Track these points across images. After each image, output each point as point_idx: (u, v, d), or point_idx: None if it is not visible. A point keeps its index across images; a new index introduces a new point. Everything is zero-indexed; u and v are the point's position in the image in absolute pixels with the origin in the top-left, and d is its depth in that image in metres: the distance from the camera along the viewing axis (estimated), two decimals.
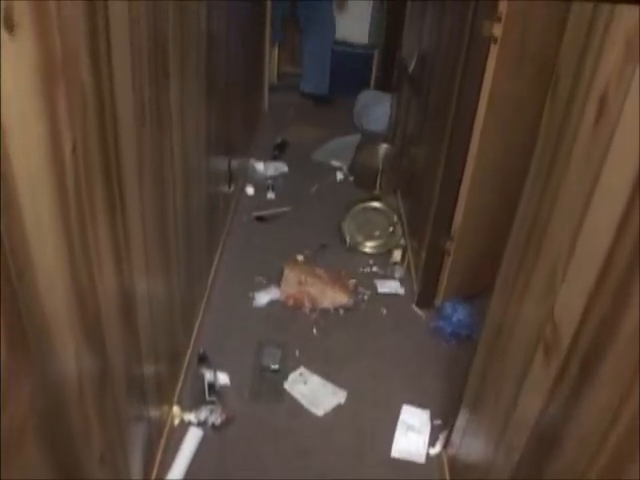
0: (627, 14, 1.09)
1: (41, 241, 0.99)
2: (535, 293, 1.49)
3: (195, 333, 2.62)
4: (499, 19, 2.25)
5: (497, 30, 2.27)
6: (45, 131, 0.98)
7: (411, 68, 3.76)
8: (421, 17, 3.72)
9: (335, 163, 4.47)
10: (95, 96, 1.18)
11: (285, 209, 3.85)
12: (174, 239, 2.08)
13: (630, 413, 1.01)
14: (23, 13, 0.87)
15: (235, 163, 3.61)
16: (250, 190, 4.02)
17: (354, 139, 4.78)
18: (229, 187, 3.48)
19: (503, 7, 2.24)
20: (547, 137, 1.45)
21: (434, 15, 3.33)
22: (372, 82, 5.96)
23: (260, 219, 3.73)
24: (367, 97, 5.38)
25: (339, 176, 4.33)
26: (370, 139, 4.65)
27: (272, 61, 5.84)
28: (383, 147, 4.02)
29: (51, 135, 0.99)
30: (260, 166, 4.30)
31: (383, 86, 5.57)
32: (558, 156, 1.35)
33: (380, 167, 3.98)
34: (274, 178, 4.23)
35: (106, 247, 1.33)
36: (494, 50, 2.32)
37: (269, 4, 5.12)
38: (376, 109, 5.12)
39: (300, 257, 3.37)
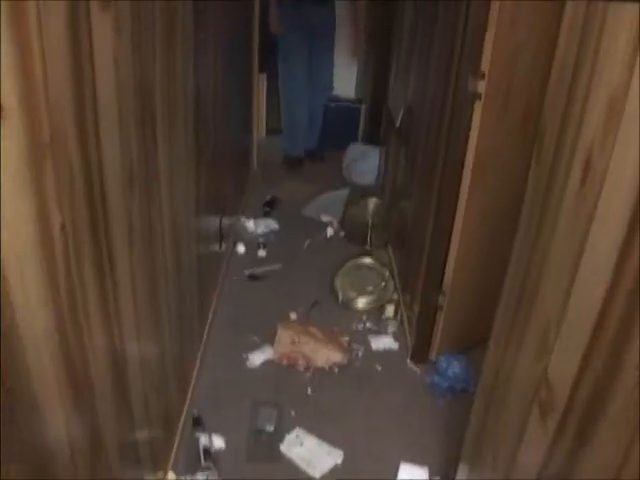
0: (608, 76, 1.11)
1: (30, 319, 0.99)
2: (528, 352, 1.49)
3: (189, 395, 2.60)
4: (483, 76, 2.29)
5: (481, 87, 2.31)
6: (33, 211, 0.98)
7: (398, 122, 3.80)
8: (406, 71, 3.78)
9: (325, 218, 4.49)
10: (83, 172, 1.19)
11: (277, 266, 3.85)
12: (165, 301, 2.07)
13: (630, 474, 1.00)
14: (11, 95, 0.89)
15: (226, 222, 3.63)
16: (241, 248, 4.03)
17: (343, 193, 4.82)
18: (220, 246, 3.49)
19: (486, 65, 2.29)
20: (534, 196, 1.46)
21: (419, 70, 3.38)
22: (360, 135, 6.01)
23: (252, 277, 3.73)
24: (355, 151, 5.42)
25: (330, 231, 4.35)
26: (360, 193, 4.68)
27: (260, 118, 5.90)
28: (372, 201, 4.05)
29: (39, 215, 1.00)
30: (250, 224, 4.32)
31: (371, 139, 5.63)
32: (546, 216, 1.36)
33: (370, 221, 4.00)
34: (265, 235, 4.24)
35: (96, 314, 1.33)
36: (479, 106, 2.35)
37: (256, 64, 5.19)
38: (365, 162, 5.17)
39: (293, 315, 3.36)
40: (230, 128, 3.69)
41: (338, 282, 3.51)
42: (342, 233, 4.31)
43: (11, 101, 0.89)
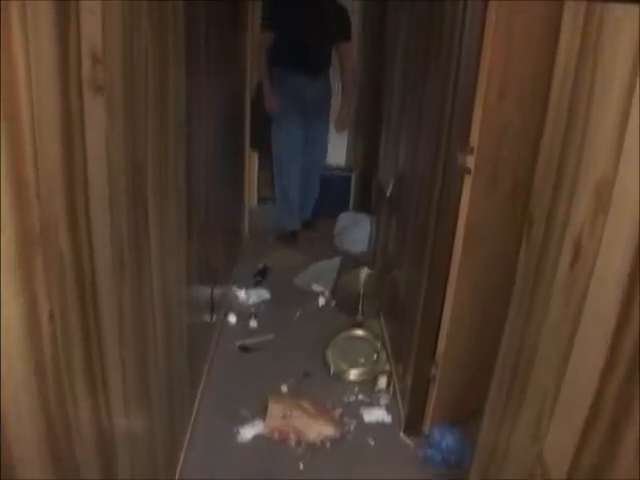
0: (595, 160, 1.13)
1: (17, 412, 0.97)
2: (523, 431, 1.47)
3: (178, 471, 2.55)
4: (471, 151, 2.33)
5: (470, 162, 2.34)
6: (22, 304, 0.98)
7: (388, 192, 3.83)
8: (396, 143, 3.83)
9: (317, 288, 4.48)
10: (74, 260, 1.19)
11: (268, 337, 3.83)
12: (155, 377, 2.05)
13: None
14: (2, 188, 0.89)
15: (217, 292, 3.62)
16: (232, 319, 4.00)
17: (335, 263, 4.82)
18: (211, 317, 3.47)
19: (475, 139, 2.32)
20: (526, 276, 1.47)
21: (409, 142, 3.42)
22: (351, 204, 6.04)
23: (243, 349, 3.70)
24: (346, 219, 5.45)
25: (321, 301, 4.33)
26: (351, 262, 4.69)
27: (252, 185, 5.93)
28: (364, 271, 4.05)
29: (28, 307, 0.99)
30: (242, 294, 4.30)
31: (362, 208, 5.65)
32: (538, 296, 1.36)
33: (362, 291, 4.00)
34: (256, 305, 4.22)
35: (83, 396, 1.31)
36: (468, 180, 2.38)
37: (247, 135, 5.25)
38: (356, 231, 5.19)
39: (284, 387, 3.32)
40: (222, 199, 3.71)
41: (330, 354, 3.48)
42: (333, 303, 4.29)
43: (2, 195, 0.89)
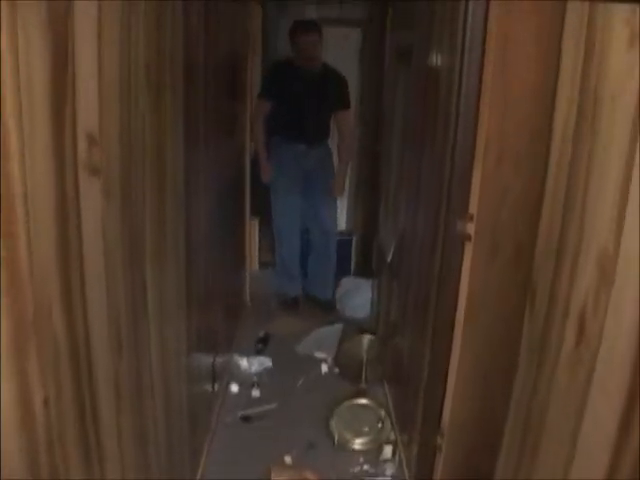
0: (597, 233, 1.11)
1: None
2: None
3: None
4: (471, 218, 2.31)
5: (470, 229, 2.33)
6: (15, 392, 0.95)
7: (389, 258, 3.82)
8: (395, 208, 3.83)
9: (319, 355, 4.43)
10: (69, 344, 1.17)
11: (271, 406, 3.76)
12: (155, 450, 2.01)
13: None
14: None
15: (219, 360, 3.57)
16: (234, 388, 3.94)
17: (337, 329, 4.77)
18: (213, 387, 3.42)
19: (474, 206, 2.31)
20: (530, 352, 1.44)
21: (408, 207, 3.42)
22: (352, 268, 6.02)
23: (246, 419, 3.63)
24: (348, 284, 5.42)
25: (324, 368, 4.27)
26: (354, 328, 4.64)
27: (252, 251, 5.92)
28: (367, 338, 4.00)
29: (21, 394, 0.97)
30: (244, 362, 4.24)
31: (363, 272, 5.63)
32: (542, 375, 1.33)
33: (365, 358, 3.94)
34: (258, 374, 4.16)
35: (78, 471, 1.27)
36: (469, 247, 2.36)
37: (248, 201, 5.26)
38: (358, 296, 5.15)
39: (288, 458, 3.24)
40: (222, 266, 3.70)
41: (333, 423, 3.41)
42: (336, 370, 4.23)
43: None
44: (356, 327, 4.65)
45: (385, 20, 4.84)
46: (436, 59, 2.77)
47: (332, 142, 5.34)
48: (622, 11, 1.20)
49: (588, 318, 1.12)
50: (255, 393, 3.91)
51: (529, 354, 1.47)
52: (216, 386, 3.52)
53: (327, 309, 5.25)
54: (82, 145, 1.21)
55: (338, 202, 5.76)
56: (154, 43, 1.77)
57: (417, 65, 3.33)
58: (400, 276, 3.59)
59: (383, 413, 3.41)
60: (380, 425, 3.39)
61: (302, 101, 4.89)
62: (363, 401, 3.47)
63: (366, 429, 3.40)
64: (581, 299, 1.14)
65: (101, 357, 1.38)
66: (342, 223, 6.22)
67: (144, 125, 1.67)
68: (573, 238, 1.21)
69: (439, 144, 2.63)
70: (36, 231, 1.02)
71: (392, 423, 3.44)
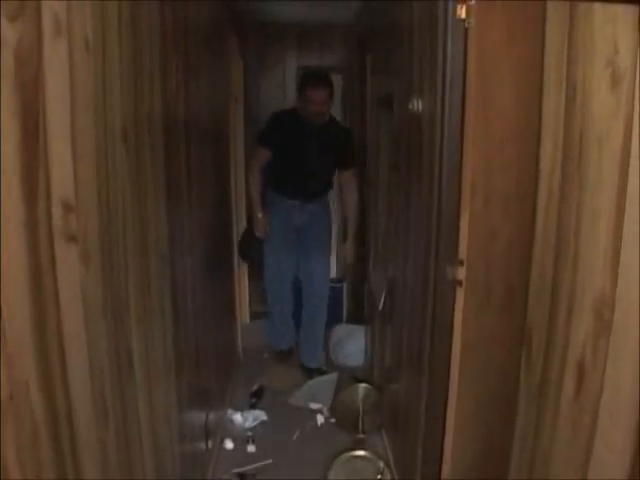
0: (592, 280, 1.08)
1: None
2: None
3: None
4: (461, 263, 2.29)
5: (461, 274, 2.30)
6: None
7: (380, 305, 3.78)
8: (385, 254, 3.81)
9: (314, 406, 4.35)
10: (48, 420, 1.13)
11: (267, 462, 3.68)
12: None
13: None
14: None
15: (212, 417, 3.50)
16: (229, 444, 3.85)
17: (331, 379, 4.70)
18: (206, 445, 3.34)
19: (463, 251, 2.28)
20: (528, 403, 1.40)
21: (397, 253, 3.40)
22: (344, 315, 5.97)
23: (242, 476, 3.54)
24: (340, 331, 5.35)
25: (320, 419, 4.19)
26: (348, 376, 4.57)
27: (243, 302, 5.86)
28: (362, 387, 3.93)
29: None
30: (238, 417, 4.16)
31: (356, 318, 5.58)
32: (543, 426, 1.29)
33: (361, 407, 3.87)
34: (253, 429, 4.08)
35: None
36: (460, 292, 2.33)
37: (235, 253, 5.21)
38: (351, 343, 5.09)
39: None
40: (212, 321, 3.64)
41: (332, 476, 3.33)
42: (332, 420, 4.16)
43: None
44: (350, 376, 4.59)
45: (365, 66, 4.86)
46: (417, 103, 2.77)
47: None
48: (604, 49, 1.19)
49: (587, 366, 1.08)
50: (250, 449, 3.83)
51: (528, 402, 1.43)
52: (210, 443, 3.43)
53: (317, 375, 4.90)
54: (57, 212, 1.17)
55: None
56: (131, 104, 1.74)
57: (399, 109, 3.34)
58: (393, 323, 3.54)
59: (382, 465, 3.34)
60: (379, 477, 3.31)
61: (303, 155, 4.61)
62: (361, 453, 3.39)
63: None
64: (579, 346, 1.11)
65: (85, 431, 1.32)
66: (332, 270, 6.18)
67: (123, 188, 1.64)
68: (567, 282, 1.18)
69: (425, 188, 2.62)
70: (9, 304, 0.98)
71: (392, 474, 3.37)
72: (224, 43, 4.34)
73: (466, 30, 2.19)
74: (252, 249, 5.00)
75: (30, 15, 1.09)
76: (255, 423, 4.15)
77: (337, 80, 5.92)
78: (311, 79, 4.43)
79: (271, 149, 4.60)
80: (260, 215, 4.73)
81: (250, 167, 4.82)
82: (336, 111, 5.85)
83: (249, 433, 3.99)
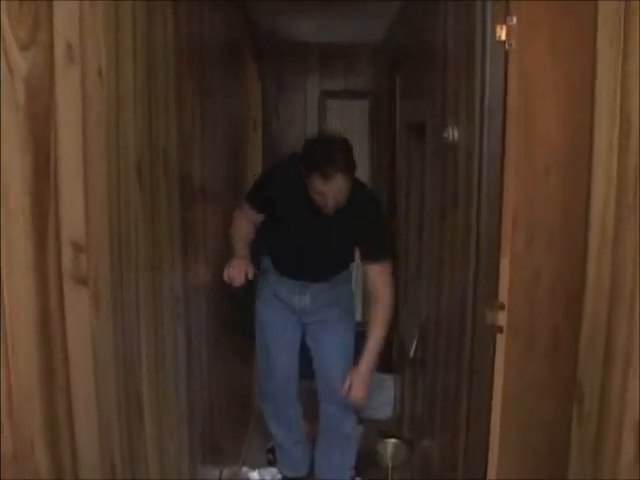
0: None
1: None
2: None
3: None
4: (502, 307, 2.27)
5: (502, 319, 2.28)
6: None
7: (412, 352, 3.76)
8: (416, 297, 3.80)
9: None
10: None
11: None
12: None
13: None
14: None
15: (226, 474, 3.49)
16: None
17: (357, 433, 4.65)
18: None
19: (504, 295, 2.27)
20: (582, 458, 1.39)
21: (429, 296, 3.38)
22: None
23: None
24: None
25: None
26: (376, 432, 4.53)
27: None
28: (391, 443, 3.90)
29: None
30: (255, 475, 4.14)
31: (383, 367, 5.54)
32: None
33: (390, 465, 3.84)
34: None
35: None
36: (501, 340, 2.31)
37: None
38: (378, 394, 5.05)
39: None
40: (226, 370, 3.65)
41: None
42: (359, 479, 4.12)
43: None
44: (378, 430, 4.55)
45: (394, 90, 4.87)
46: (452, 130, 2.77)
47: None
48: None
49: None
50: None
51: (581, 464, 1.41)
52: None
53: None
54: (67, 253, 1.19)
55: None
56: (146, 136, 1.77)
57: (432, 137, 3.35)
58: (426, 372, 3.52)
59: None
60: None
61: (306, 234, 3.48)
62: None
63: None
64: (638, 406, 1.10)
65: None
66: (358, 314, 6.16)
67: (136, 226, 1.66)
68: (623, 334, 1.18)
69: (461, 224, 2.61)
70: (15, 353, 0.99)
71: None
72: (241, 64, 4.39)
73: (506, 52, 2.20)
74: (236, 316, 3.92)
75: (42, 43, 1.12)
76: None
77: (363, 106, 5.98)
78: (319, 164, 3.08)
79: (261, 210, 3.54)
80: (240, 254, 3.44)
81: (234, 214, 3.63)
82: (362, 140, 5.89)
83: None
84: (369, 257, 3.51)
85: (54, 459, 1.14)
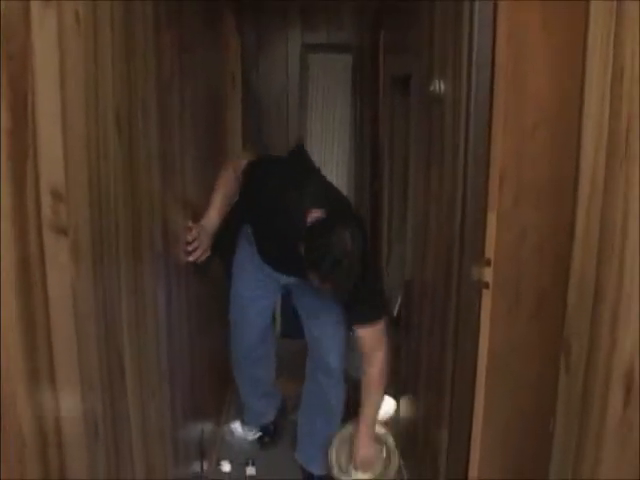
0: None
1: None
2: None
3: None
4: (488, 263, 2.29)
5: (488, 275, 2.30)
6: None
7: (395, 311, 3.78)
8: (400, 255, 3.81)
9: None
10: (36, 440, 1.16)
11: None
12: None
13: None
14: None
15: (208, 431, 3.50)
16: (226, 466, 3.81)
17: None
18: (201, 467, 3.34)
19: (490, 251, 2.28)
20: (568, 414, 1.41)
21: (414, 253, 3.40)
22: None
23: None
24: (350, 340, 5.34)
25: None
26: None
27: None
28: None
29: None
30: (238, 427, 4.15)
31: None
32: (586, 442, 1.29)
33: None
34: (254, 444, 4.08)
35: None
36: (487, 296, 2.33)
37: None
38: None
39: None
40: (209, 325, 3.64)
41: (333, 454, 3.34)
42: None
43: None
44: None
45: (378, 44, 4.84)
46: (439, 84, 2.75)
47: None
48: None
49: (636, 377, 1.08)
50: (250, 471, 3.79)
51: (568, 419, 1.43)
52: (205, 465, 3.44)
53: None
54: (46, 202, 1.18)
55: None
56: (125, 86, 1.75)
57: (417, 92, 3.34)
58: (410, 331, 3.54)
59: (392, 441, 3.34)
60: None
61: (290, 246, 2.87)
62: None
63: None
64: (626, 355, 1.11)
65: (74, 446, 1.34)
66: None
67: (116, 179, 1.65)
68: (611, 287, 1.19)
69: (448, 180, 2.61)
70: None
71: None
72: (219, 17, 4.33)
73: (495, 4, 2.19)
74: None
75: None
76: (258, 436, 4.13)
77: (346, 60, 5.93)
78: (319, 268, 2.65)
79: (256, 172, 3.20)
80: (205, 223, 3.11)
81: (223, 167, 3.43)
82: (345, 95, 5.87)
83: (250, 459, 3.91)
84: (360, 320, 3.12)
85: (36, 415, 1.14)
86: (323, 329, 3.51)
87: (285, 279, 3.46)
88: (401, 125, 3.98)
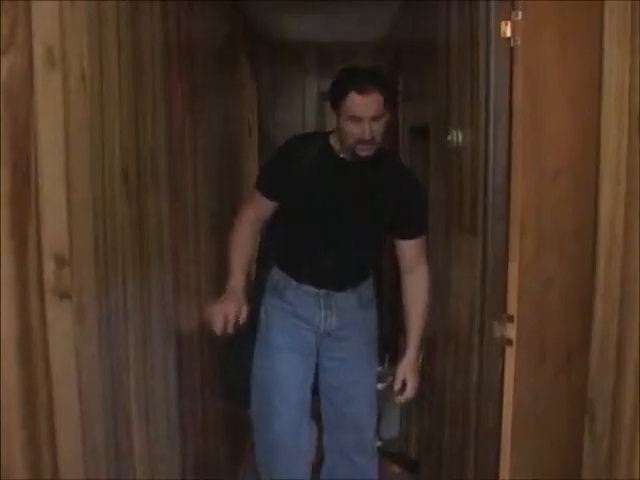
0: None
1: None
2: None
3: None
4: (510, 319, 2.27)
5: (510, 331, 2.28)
6: None
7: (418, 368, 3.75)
8: None
9: None
10: None
11: None
12: None
13: None
14: None
15: None
16: None
17: None
18: None
19: (512, 306, 2.27)
20: (595, 476, 1.39)
21: (435, 309, 3.39)
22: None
23: None
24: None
25: None
26: (381, 452, 4.50)
27: None
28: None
29: None
30: None
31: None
32: None
33: None
34: None
35: None
36: (510, 353, 2.31)
37: None
38: (384, 414, 5.04)
39: None
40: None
41: None
42: None
43: None
44: (384, 451, 4.53)
45: (396, 92, 4.85)
46: (456, 133, 2.77)
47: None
48: None
49: None
50: None
51: None
52: None
53: None
54: (49, 267, 1.20)
55: None
56: (132, 140, 1.78)
57: (435, 141, 3.35)
58: (432, 388, 3.52)
59: None
60: None
61: (330, 215, 3.01)
62: None
63: None
64: None
65: None
66: None
67: (123, 236, 1.66)
68: (634, 344, 1.18)
69: (467, 232, 2.61)
70: None
71: None
72: (235, 64, 4.38)
73: (511, 49, 2.21)
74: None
75: (20, 46, 1.12)
76: None
77: None
78: (356, 76, 2.85)
79: (276, 196, 3.07)
80: (235, 283, 2.98)
81: (238, 214, 3.16)
82: None
83: None
84: (405, 232, 3.15)
85: None
86: (358, 405, 3.29)
87: (325, 320, 3.14)
88: (421, 175, 3.98)
